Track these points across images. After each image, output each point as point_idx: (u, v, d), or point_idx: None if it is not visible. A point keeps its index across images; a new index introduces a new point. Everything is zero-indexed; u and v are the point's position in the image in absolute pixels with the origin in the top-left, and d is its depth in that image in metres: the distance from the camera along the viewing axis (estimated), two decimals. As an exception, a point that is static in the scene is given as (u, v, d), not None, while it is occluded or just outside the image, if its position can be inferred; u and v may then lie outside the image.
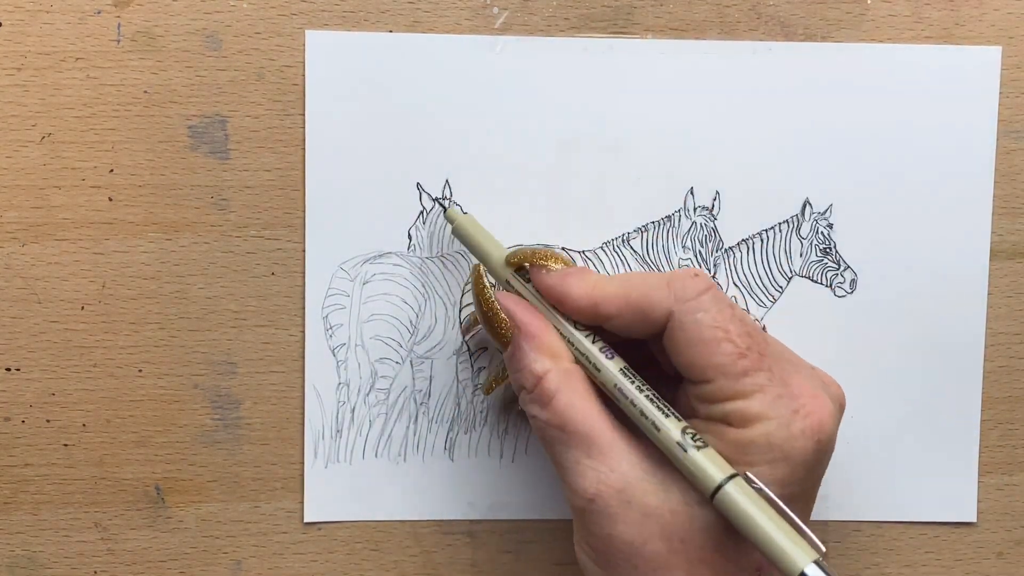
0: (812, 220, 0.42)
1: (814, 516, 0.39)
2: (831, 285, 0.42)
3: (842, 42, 0.42)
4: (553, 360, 0.36)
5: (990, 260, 0.42)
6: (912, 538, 0.43)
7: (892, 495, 0.43)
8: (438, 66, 0.41)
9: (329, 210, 0.41)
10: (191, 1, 0.40)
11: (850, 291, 0.42)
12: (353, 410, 0.42)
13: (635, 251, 0.42)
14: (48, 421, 0.41)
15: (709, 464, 0.33)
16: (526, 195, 0.41)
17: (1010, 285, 0.43)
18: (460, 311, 0.42)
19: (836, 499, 0.43)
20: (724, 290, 0.42)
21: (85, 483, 0.42)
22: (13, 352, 0.41)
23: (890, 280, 0.42)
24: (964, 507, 0.43)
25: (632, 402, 0.34)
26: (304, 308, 0.41)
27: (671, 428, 0.34)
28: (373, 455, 0.42)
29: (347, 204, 0.41)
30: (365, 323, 0.42)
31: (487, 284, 0.37)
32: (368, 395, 0.42)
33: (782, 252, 0.42)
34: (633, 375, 0.35)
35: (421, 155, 0.41)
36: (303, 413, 0.42)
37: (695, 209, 0.42)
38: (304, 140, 0.41)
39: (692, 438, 0.33)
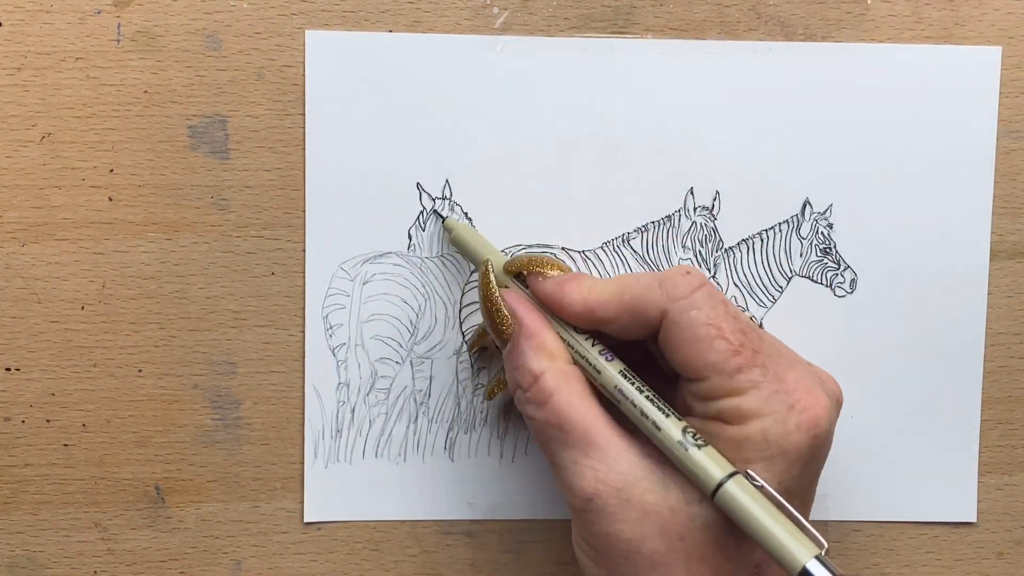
0: (812, 220, 0.42)
1: (814, 515, 0.39)
2: (831, 285, 0.42)
3: (842, 42, 0.42)
4: (551, 360, 0.36)
5: (990, 260, 0.42)
6: (912, 538, 0.43)
7: (892, 495, 0.43)
8: (438, 66, 0.41)
9: (329, 210, 0.41)
10: (191, 1, 0.40)
11: (850, 291, 0.42)
12: (353, 410, 0.42)
13: (635, 251, 0.42)
14: (48, 421, 0.41)
15: (710, 462, 0.33)
16: (526, 195, 0.41)
17: (1010, 285, 0.43)
18: (460, 311, 0.42)
19: (836, 499, 0.43)
20: (724, 290, 0.42)
21: (85, 483, 0.42)
22: (13, 352, 0.41)
23: (890, 280, 0.42)
24: (964, 507, 0.43)
25: (632, 403, 0.35)
26: (304, 308, 0.41)
27: (672, 427, 0.34)
28: (373, 455, 0.42)
29: (347, 204, 0.41)
30: (365, 323, 0.42)
31: (493, 280, 0.37)
32: (368, 395, 0.42)
33: (782, 252, 0.42)
34: (633, 376, 0.35)
35: (421, 155, 0.41)
36: (303, 413, 0.42)
37: (695, 209, 0.42)
38: (304, 140, 0.41)
39: (693, 437, 0.33)
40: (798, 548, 0.31)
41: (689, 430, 0.34)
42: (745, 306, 0.42)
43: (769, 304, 0.42)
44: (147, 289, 0.41)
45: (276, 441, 0.42)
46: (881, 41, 0.42)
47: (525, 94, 0.41)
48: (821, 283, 0.42)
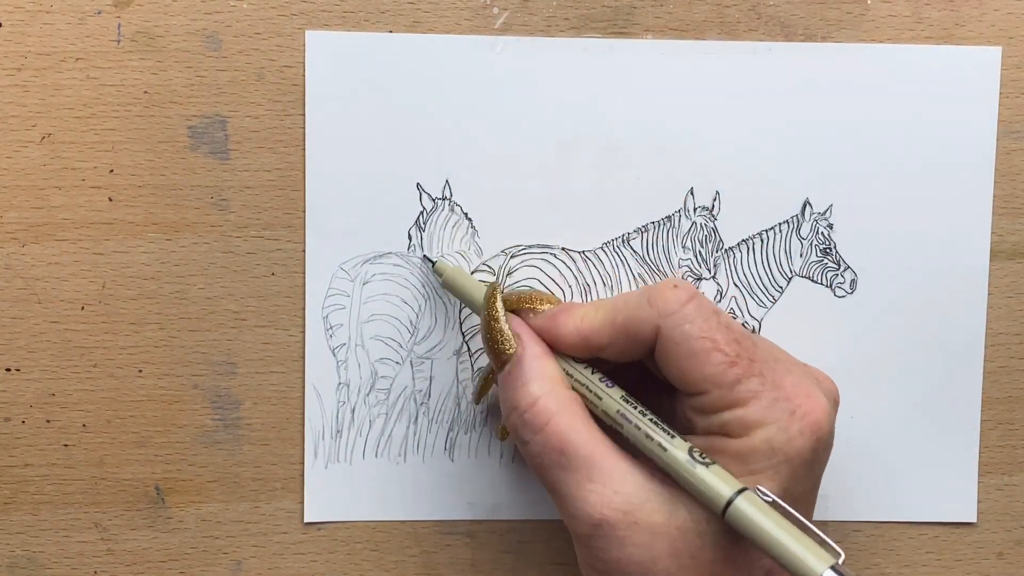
0: (812, 220, 0.42)
1: (814, 516, 0.39)
2: (831, 285, 0.42)
3: (842, 42, 0.42)
4: (551, 384, 0.35)
5: (990, 260, 0.42)
6: (912, 538, 0.43)
7: (892, 495, 0.43)
8: (438, 66, 0.41)
9: (329, 210, 0.41)
10: (191, 1, 0.40)
11: (850, 291, 0.42)
12: (353, 410, 0.42)
13: (635, 251, 0.42)
14: (48, 421, 0.41)
15: (718, 480, 0.33)
16: (526, 195, 0.41)
17: (1010, 285, 0.43)
18: (460, 311, 0.42)
19: (836, 499, 0.43)
20: (724, 290, 0.42)
21: (85, 483, 0.42)
22: (13, 352, 0.41)
23: (890, 280, 0.42)
24: (964, 507, 0.43)
25: (636, 426, 0.34)
26: (304, 308, 0.41)
27: (678, 448, 0.34)
28: (373, 455, 0.42)
29: (347, 204, 0.41)
30: (365, 323, 0.42)
31: (500, 303, 0.37)
32: (368, 395, 0.42)
33: (782, 252, 0.42)
34: (634, 401, 0.35)
35: (421, 155, 0.41)
36: (303, 413, 0.42)
37: (695, 209, 0.42)
38: (304, 140, 0.41)
39: (699, 456, 0.33)
40: (814, 560, 0.31)
41: (694, 450, 0.34)
42: (745, 307, 0.42)
43: (769, 304, 0.42)
44: (147, 289, 0.41)
45: (276, 441, 0.42)
46: (881, 41, 0.42)
47: (525, 94, 0.41)
48: (821, 283, 0.42)
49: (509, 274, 0.42)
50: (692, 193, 0.42)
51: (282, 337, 0.41)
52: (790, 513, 0.32)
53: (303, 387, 0.42)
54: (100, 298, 0.41)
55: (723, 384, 0.33)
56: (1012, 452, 0.43)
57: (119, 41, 0.40)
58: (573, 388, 0.36)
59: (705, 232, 0.42)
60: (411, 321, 0.42)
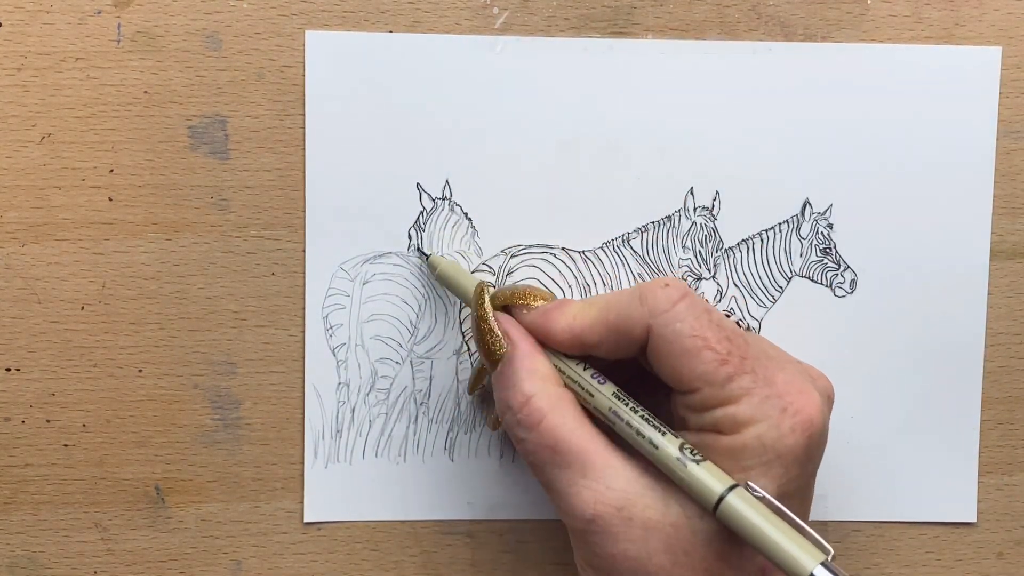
0: (812, 220, 0.42)
1: (813, 516, 0.39)
2: (831, 285, 0.42)
3: (842, 42, 0.42)
4: (543, 381, 0.35)
5: (990, 260, 0.42)
6: (912, 538, 0.43)
7: (892, 495, 0.43)
8: (438, 66, 0.41)
9: (329, 210, 0.41)
10: (191, 1, 0.40)
11: (850, 291, 0.42)
12: (353, 410, 0.42)
13: (635, 251, 0.42)
14: (48, 421, 0.41)
15: (709, 477, 0.33)
16: (526, 195, 0.41)
17: (1010, 285, 0.43)
18: (460, 311, 0.42)
19: (836, 499, 0.43)
20: (724, 290, 0.42)
21: (85, 483, 0.42)
22: (13, 352, 0.41)
23: (890, 280, 0.42)
24: (964, 507, 0.43)
25: (628, 423, 0.35)
26: (304, 308, 0.41)
27: (669, 445, 0.34)
28: (373, 455, 0.42)
29: (347, 204, 0.41)
30: (365, 323, 0.42)
31: (488, 302, 0.37)
32: (368, 395, 0.42)
33: (782, 252, 0.42)
34: (626, 397, 0.35)
35: (421, 155, 0.41)
36: (303, 413, 0.42)
37: (695, 209, 0.42)
38: (304, 140, 0.41)
39: (690, 453, 0.33)
40: (804, 556, 0.31)
41: (686, 446, 0.34)
42: (745, 306, 0.42)
43: (769, 304, 0.42)
44: (147, 289, 0.41)
45: (276, 441, 0.42)
46: (881, 41, 0.42)
47: (525, 94, 0.41)
48: (821, 283, 0.42)
49: (509, 274, 0.42)
50: (692, 193, 0.42)
51: (282, 337, 0.41)
52: (781, 510, 0.32)
53: (303, 387, 0.42)
54: (100, 298, 0.41)
55: (714, 382, 0.33)
56: (1012, 452, 0.43)
57: (119, 41, 0.40)
58: (566, 385, 0.36)
59: (705, 232, 0.42)
60: (411, 321, 0.42)
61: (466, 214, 0.41)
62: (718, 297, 0.42)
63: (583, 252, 0.42)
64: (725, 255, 0.42)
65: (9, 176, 0.40)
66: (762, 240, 0.42)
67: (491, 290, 0.38)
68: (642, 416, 0.35)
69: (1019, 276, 0.43)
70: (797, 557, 0.31)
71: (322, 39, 0.41)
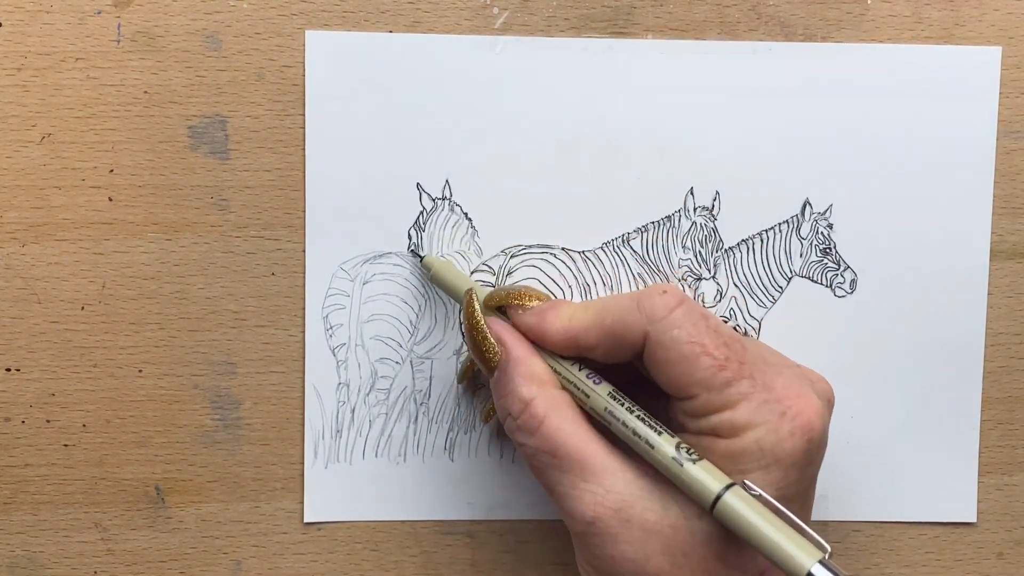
0: (812, 220, 0.42)
1: (814, 516, 0.39)
2: (831, 285, 0.42)
3: (842, 42, 0.42)
4: (540, 386, 0.35)
5: (990, 260, 0.42)
6: (912, 538, 0.43)
7: (892, 495, 0.43)
8: (438, 66, 0.41)
9: (329, 210, 0.41)
10: (191, 1, 0.40)
11: (850, 291, 0.42)
12: (353, 410, 0.42)
13: (635, 251, 0.42)
14: (48, 421, 0.41)
15: (706, 476, 0.33)
16: (526, 195, 0.41)
17: (1010, 285, 0.43)
18: (460, 311, 0.42)
19: (836, 499, 0.43)
20: (724, 290, 0.42)
21: (85, 483, 0.42)
22: (13, 352, 0.41)
23: (890, 280, 0.42)
24: (964, 507, 0.43)
25: (624, 423, 0.35)
26: (304, 308, 0.41)
27: (665, 445, 0.34)
28: (373, 455, 0.42)
29: (347, 204, 0.41)
30: (365, 323, 0.42)
31: (478, 308, 0.37)
32: (368, 395, 0.42)
33: (782, 252, 0.42)
34: (622, 397, 0.35)
35: (421, 155, 0.41)
36: (303, 413, 0.42)
37: (695, 209, 0.42)
38: (304, 140, 0.41)
39: (687, 452, 0.33)
40: (801, 554, 0.31)
41: (683, 446, 0.34)
42: (745, 307, 0.42)
43: (769, 304, 0.42)
44: (147, 289, 0.41)
45: (276, 441, 0.42)
46: (881, 41, 0.42)
47: (525, 94, 0.41)
48: (821, 283, 0.42)
49: (509, 274, 0.42)
50: (692, 193, 0.42)
51: (282, 337, 0.41)
52: (779, 508, 0.32)
53: (303, 387, 0.42)
54: (100, 298, 0.41)
55: (712, 388, 0.33)
56: (1012, 452, 0.43)
57: (119, 41, 0.40)
58: (562, 387, 0.36)
59: (705, 232, 0.42)
60: (411, 321, 0.42)
61: (466, 214, 0.41)
62: (718, 297, 0.42)
63: (583, 252, 0.42)
64: (725, 255, 0.42)
65: (9, 176, 0.40)
66: (762, 240, 0.42)
67: (486, 291, 0.38)
68: (638, 416, 0.35)
69: (1019, 276, 0.43)
70: (794, 555, 0.31)
71: (322, 39, 0.41)
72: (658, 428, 0.34)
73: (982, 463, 0.43)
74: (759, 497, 0.32)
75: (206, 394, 0.41)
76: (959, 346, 0.42)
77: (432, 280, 0.40)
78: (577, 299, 0.42)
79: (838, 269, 0.42)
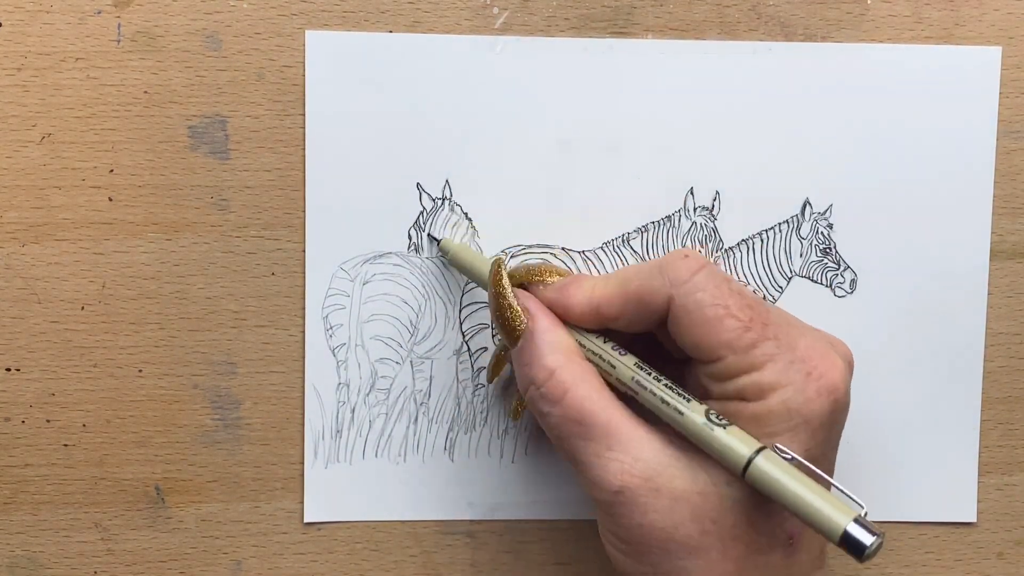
0: (812, 220, 0.42)
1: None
2: (831, 285, 0.42)
3: (842, 42, 0.42)
4: (566, 355, 0.36)
5: (990, 260, 0.42)
6: (912, 538, 0.43)
7: (892, 495, 0.43)
8: (438, 66, 0.41)
9: (329, 210, 0.41)
10: (191, 1, 0.40)
11: (850, 291, 0.42)
12: (353, 410, 0.42)
13: (635, 251, 0.42)
14: (48, 421, 0.41)
15: (737, 441, 0.33)
16: (526, 195, 0.41)
17: (1010, 285, 0.43)
18: (460, 311, 0.42)
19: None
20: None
21: (85, 483, 0.42)
22: (13, 352, 0.41)
23: (890, 280, 0.42)
24: (964, 507, 0.43)
25: (652, 392, 0.35)
26: (304, 308, 0.41)
27: (694, 411, 0.34)
28: (373, 455, 0.42)
29: (347, 204, 0.41)
30: (365, 323, 0.42)
31: (505, 277, 0.37)
32: (368, 395, 0.42)
33: (782, 252, 0.42)
34: (648, 368, 0.35)
35: (421, 155, 0.41)
36: (303, 413, 0.42)
37: (695, 209, 0.42)
38: (304, 140, 0.41)
39: (716, 418, 0.33)
40: (836, 513, 0.31)
41: (712, 412, 0.34)
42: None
43: (769, 304, 0.42)
44: (147, 289, 0.41)
45: (276, 441, 0.42)
46: (881, 41, 0.42)
47: (525, 94, 0.41)
48: (821, 283, 0.42)
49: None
50: (692, 193, 0.42)
51: (282, 337, 0.41)
52: (811, 470, 0.32)
53: (303, 387, 0.42)
54: (100, 298, 0.41)
55: (738, 349, 0.33)
56: (1012, 452, 0.43)
57: (119, 41, 0.40)
58: (587, 359, 0.36)
59: (705, 232, 0.42)
60: (411, 321, 0.42)
61: (466, 214, 0.41)
62: (718, 297, 0.42)
63: (583, 252, 0.42)
64: (725, 255, 0.42)
65: (9, 176, 0.40)
66: (762, 240, 0.42)
67: (507, 268, 0.38)
68: (666, 384, 0.35)
69: (1019, 276, 0.43)
70: (830, 515, 0.31)
71: (322, 39, 0.41)
72: (686, 396, 0.34)
73: (982, 463, 0.43)
74: (791, 460, 0.32)
75: (206, 394, 0.41)
76: (959, 346, 0.42)
77: (450, 262, 0.40)
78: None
79: (838, 269, 0.42)
